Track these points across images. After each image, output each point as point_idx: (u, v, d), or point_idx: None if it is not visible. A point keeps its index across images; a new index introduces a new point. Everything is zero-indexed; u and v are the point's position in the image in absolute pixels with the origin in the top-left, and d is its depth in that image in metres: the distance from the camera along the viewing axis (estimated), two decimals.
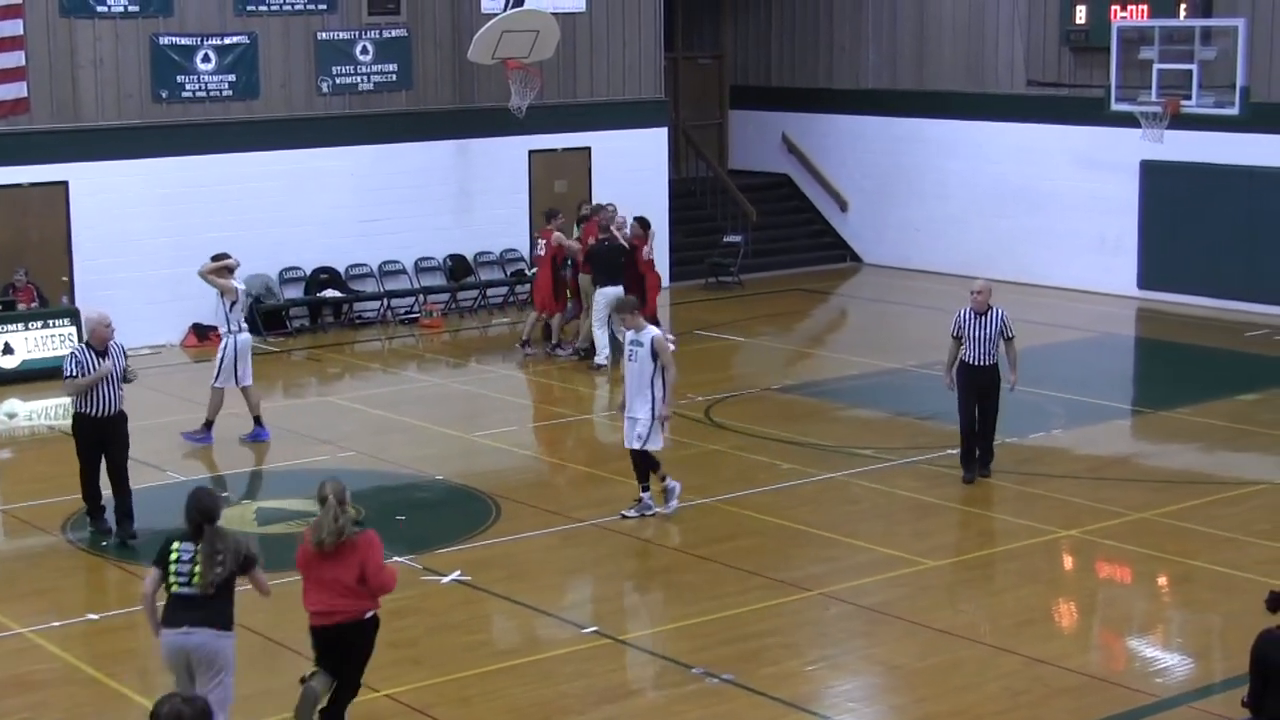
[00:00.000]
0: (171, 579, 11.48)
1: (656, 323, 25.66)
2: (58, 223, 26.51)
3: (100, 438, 17.30)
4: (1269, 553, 16.52)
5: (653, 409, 17.32)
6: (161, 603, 11.60)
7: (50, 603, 15.51)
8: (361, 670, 12.13)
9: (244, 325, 21.44)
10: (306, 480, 18.98)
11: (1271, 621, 10.66)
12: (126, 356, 17.52)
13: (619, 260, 25.07)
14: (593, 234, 25.66)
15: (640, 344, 17.36)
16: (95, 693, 13.49)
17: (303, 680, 11.95)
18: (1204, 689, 13.34)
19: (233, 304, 21.05)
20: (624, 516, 17.51)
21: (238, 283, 21.28)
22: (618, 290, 24.17)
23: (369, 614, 11.93)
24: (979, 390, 18.68)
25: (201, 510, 11.61)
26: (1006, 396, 18.79)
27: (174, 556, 11.52)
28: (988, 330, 18.58)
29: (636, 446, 17.52)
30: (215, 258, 21.26)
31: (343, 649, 11.95)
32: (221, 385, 21.05)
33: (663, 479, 17.74)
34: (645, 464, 17.66)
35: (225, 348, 21.04)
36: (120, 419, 17.39)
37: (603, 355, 24.80)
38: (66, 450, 18.28)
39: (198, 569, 11.38)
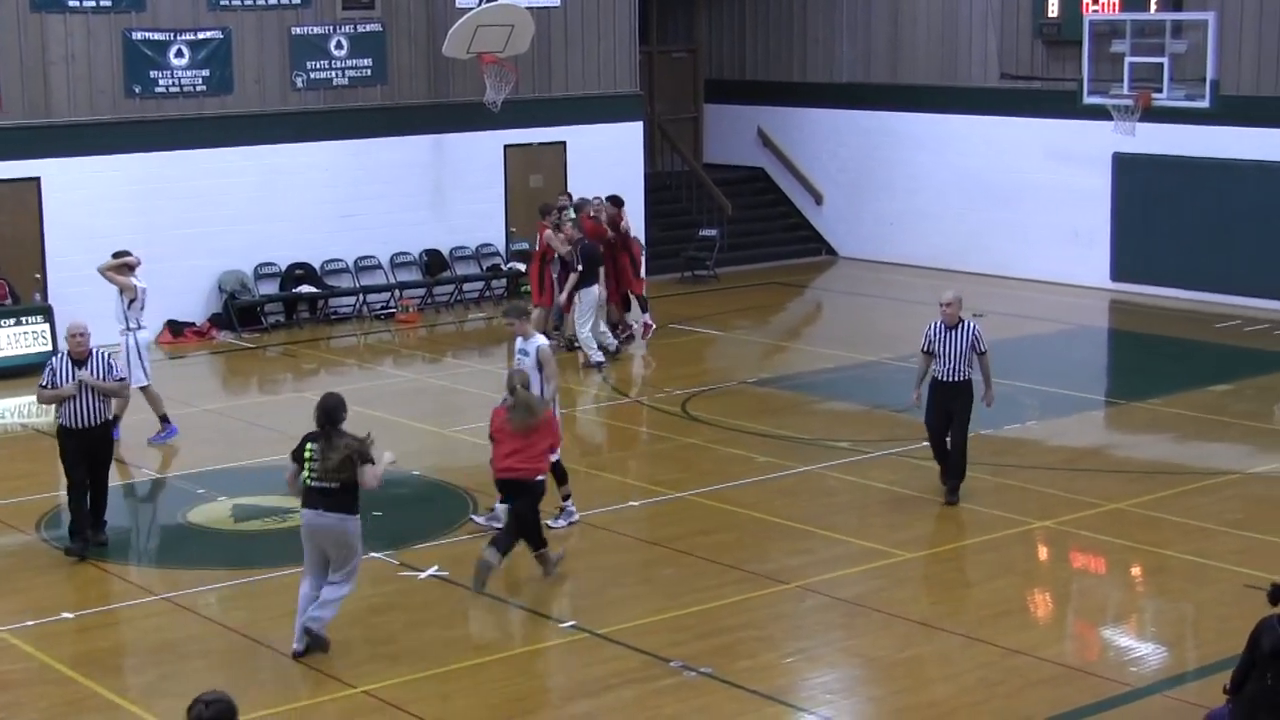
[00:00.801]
0: (305, 472, 13.64)
1: (643, 302, 25.64)
2: (30, 219, 26.44)
3: (83, 451, 16.59)
4: (1241, 542, 16.60)
5: None
6: None
7: (25, 602, 15.44)
8: (530, 514, 15.39)
9: (143, 323, 21.13)
10: (282, 477, 19.00)
11: (1272, 612, 10.75)
12: (116, 369, 16.87)
13: (601, 259, 25.08)
14: (588, 228, 25.67)
15: (526, 353, 16.90)
16: (70, 692, 13.44)
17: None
18: (1178, 678, 13.42)
19: (131, 301, 20.65)
20: (550, 527, 16.86)
21: (138, 280, 20.96)
22: (596, 290, 24.47)
23: (539, 477, 15.40)
24: (950, 408, 17.75)
25: (326, 412, 13.70)
26: (982, 390, 18.72)
27: (308, 455, 13.65)
28: (959, 345, 17.58)
29: None
30: (116, 255, 20.94)
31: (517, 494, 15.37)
32: (149, 382, 20.86)
33: (565, 497, 17.21)
34: (554, 475, 16.91)
35: (126, 346, 20.66)
36: (104, 431, 16.80)
37: (595, 355, 24.69)
38: (40, 448, 18.32)
39: (322, 463, 13.55)
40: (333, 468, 13.47)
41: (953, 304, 17.68)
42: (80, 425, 16.50)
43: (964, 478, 17.90)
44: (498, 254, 30.58)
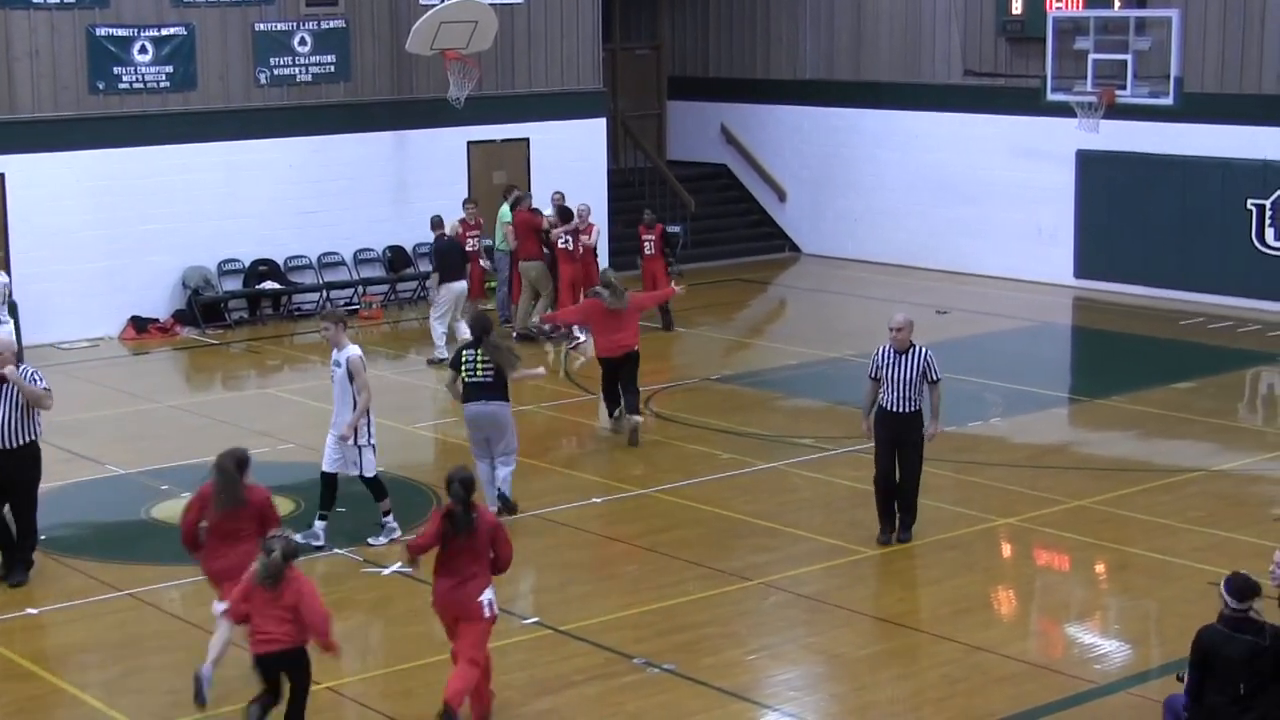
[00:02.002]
0: (464, 373, 17.19)
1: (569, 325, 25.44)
2: None
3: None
4: (1204, 539, 16.67)
5: (368, 433, 16.46)
6: None
7: None
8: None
9: (4, 318, 20.73)
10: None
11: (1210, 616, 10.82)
12: (40, 379, 15.56)
13: (461, 257, 25.55)
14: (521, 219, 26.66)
15: (339, 364, 16.39)
16: (33, 688, 13.42)
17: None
18: (1141, 675, 13.47)
19: None
20: (370, 544, 16.65)
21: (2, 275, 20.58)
22: (461, 286, 25.10)
23: None
24: (898, 440, 16.44)
25: (480, 325, 17.49)
26: (946, 387, 18.58)
27: (464, 360, 17.24)
28: (909, 372, 16.21)
29: (330, 470, 16.59)
30: None
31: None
32: None
33: (385, 513, 16.74)
34: (372, 490, 16.76)
35: None
36: (21, 455, 15.34)
37: (439, 351, 24.77)
38: None
39: (479, 364, 17.10)
40: (490, 365, 17.03)
41: (903, 329, 16.36)
42: None
43: (916, 515, 16.70)
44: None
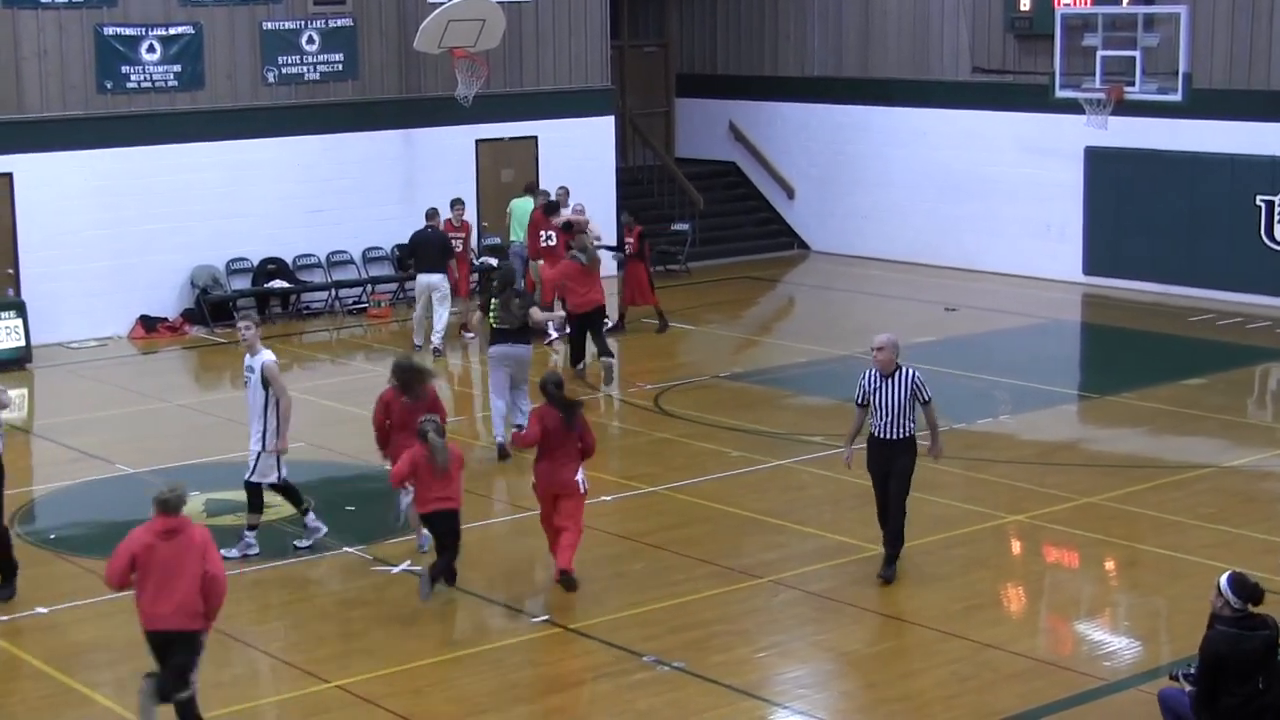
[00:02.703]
0: (493, 320, 19.71)
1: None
2: (2, 215, 26.35)
3: None
4: (1214, 536, 16.66)
5: (264, 440, 16.16)
6: None
7: None
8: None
9: None
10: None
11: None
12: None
13: (436, 251, 25.84)
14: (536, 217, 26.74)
15: (253, 370, 16.13)
16: (45, 687, 13.44)
17: None
18: (1151, 672, 13.44)
19: None
20: (297, 547, 16.59)
21: None
22: (432, 278, 25.55)
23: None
24: (890, 468, 15.43)
25: (504, 278, 20.08)
26: (954, 384, 18.65)
27: (493, 307, 19.69)
28: (897, 395, 15.20)
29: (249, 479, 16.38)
30: None
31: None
32: None
33: (304, 512, 16.58)
34: (286, 495, 16.58)
35: None
36: None
37: (416, 339, 25.85)
38: (13, 443, 18.21)
39: (501, 313, 19.59)
40: (514, 313, 19.61)
41: (885, 348, 15.29)
42: None
43: (902, 547, 15.68)
44: (470, 249, 30.51)
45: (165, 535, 11.61)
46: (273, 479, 16.24)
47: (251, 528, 16.34)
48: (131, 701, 12.77)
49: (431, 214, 26.06)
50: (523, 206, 28.01)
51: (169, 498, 11.70)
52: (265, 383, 16.00)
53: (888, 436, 15.33)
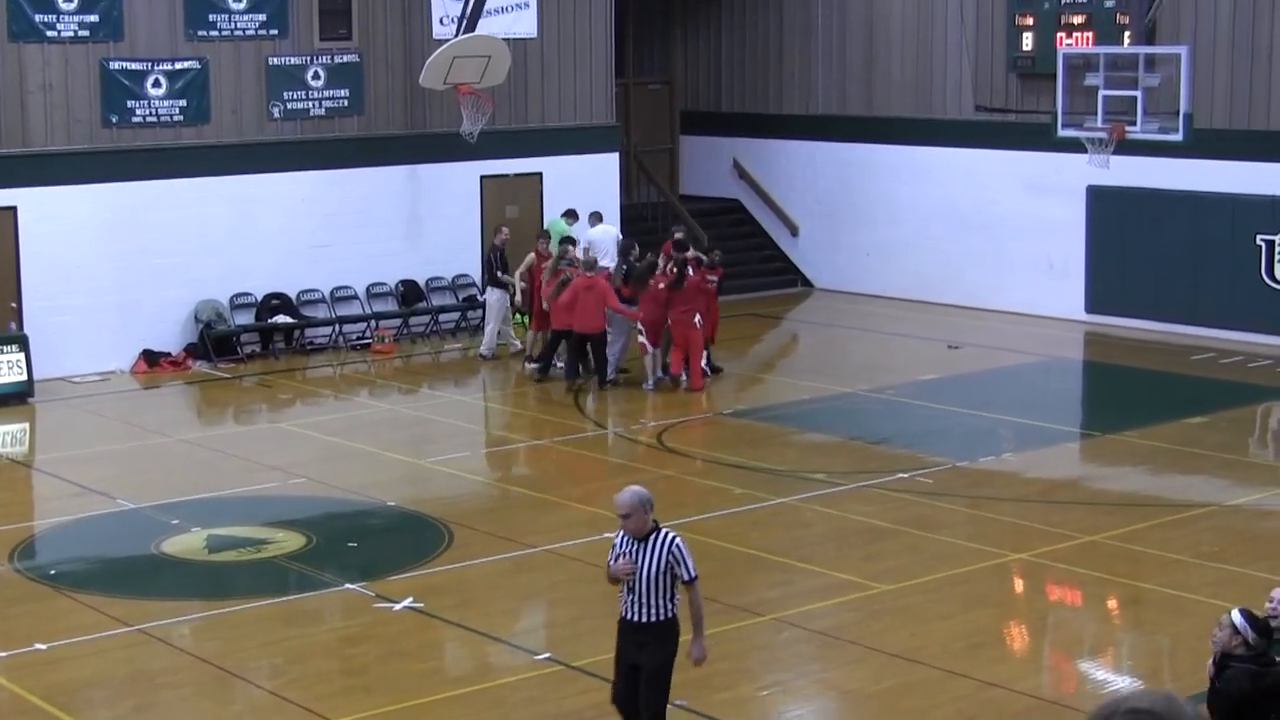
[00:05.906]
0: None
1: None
2: (6, 248, 26.37)
3: None
4: (1217, 574, 16.63)
5: None
6: None
7: None
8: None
9: None
10: (257, 507, 19.00)
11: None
12: None
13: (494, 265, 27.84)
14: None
15: None
16: None
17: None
18: None
19: None
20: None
21: None
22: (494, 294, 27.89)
23: None
24: (638, 660, 11.86)
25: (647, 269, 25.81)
26: (958, 422, 18.62)
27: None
28: (650, 566, 11.53)
29: None
30: None
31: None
32: None
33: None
34: None
35: None
36: None
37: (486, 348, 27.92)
38: (12, 478, 18.23)
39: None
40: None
41: (631, 514, 11.55)
42: None
43: None
44: (474, 285, 30.57)
45: None
46: None
47: None
48: None
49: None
50: (558, 226, 28.62)
51: None
52: None
53: (637, 619, 11.68)
